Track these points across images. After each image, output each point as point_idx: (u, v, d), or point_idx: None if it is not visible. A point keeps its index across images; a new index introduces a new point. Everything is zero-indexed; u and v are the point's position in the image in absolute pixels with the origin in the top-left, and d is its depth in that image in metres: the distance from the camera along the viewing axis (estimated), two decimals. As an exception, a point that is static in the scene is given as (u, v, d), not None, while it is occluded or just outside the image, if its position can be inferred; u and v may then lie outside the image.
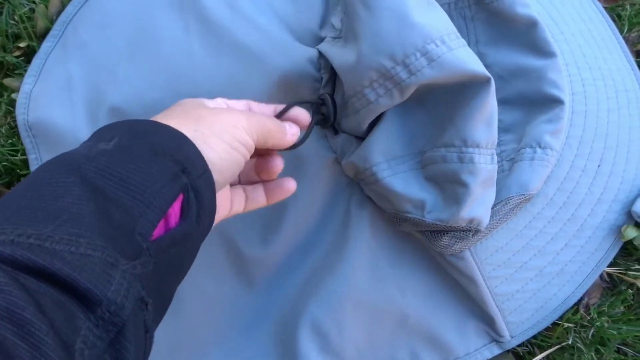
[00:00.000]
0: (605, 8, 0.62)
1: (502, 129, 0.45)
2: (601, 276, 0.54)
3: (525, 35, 0.44)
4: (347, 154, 0.44)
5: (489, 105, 0.38)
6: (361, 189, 0.47)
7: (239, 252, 0.48)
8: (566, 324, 0.51)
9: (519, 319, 0.50)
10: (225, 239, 0.48)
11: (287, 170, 0.40)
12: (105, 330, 0.22)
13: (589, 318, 0.51)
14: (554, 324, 0.51)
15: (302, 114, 0.39)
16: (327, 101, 0.43)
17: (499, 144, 0.45)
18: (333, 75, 0.45)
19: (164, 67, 0.50)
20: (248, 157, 0.33)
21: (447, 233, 0.43)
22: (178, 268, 0.28)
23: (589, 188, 0.51)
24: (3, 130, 0.55)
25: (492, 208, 0.43)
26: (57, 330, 0.20)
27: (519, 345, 0.51)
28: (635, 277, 0.53)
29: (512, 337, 0.50)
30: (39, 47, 0.56)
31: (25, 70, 0.56)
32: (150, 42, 0.52)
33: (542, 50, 0.44)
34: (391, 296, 0.48)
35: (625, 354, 0.51)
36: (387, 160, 0.42)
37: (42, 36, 0.57)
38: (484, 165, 0.39)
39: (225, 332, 0.48)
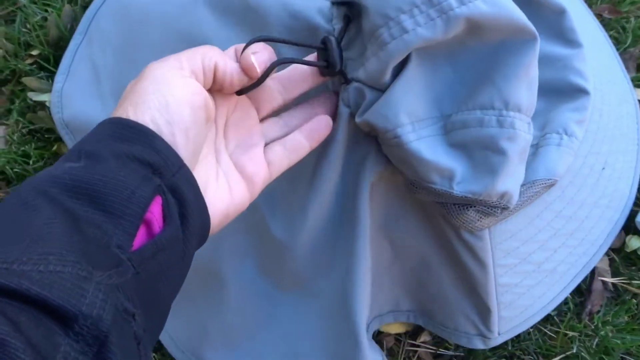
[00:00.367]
0: (610, 20, 0.63)
1: None
2: (605, 285, 0.54)
3: (554, 23, 0.43)
4: (362, 109, 0.39)
5: (534, 66, 0.36)
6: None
7: (269, 232, 0.46)
8: (570, 333, 0.51)
9: (509, 314, 0.48)
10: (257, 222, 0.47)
11: None
12: (86, 344, 0.21)
13: (593, 327, 0.52)
14: (556, 332, 0.52)
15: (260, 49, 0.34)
16: (330, 44, 0.37)
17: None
18: (346, 26, 0.39)
19: (178, 44, 0.46)
20: (201, 97, 0.31)
21: (472, 206, 0.39)
22: (171, 274, 0.28)
23: (592, 189, 0.50)
24: (15, 137, 0.56)
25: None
26: (35, 348, 0.19)
27: (523, 354, 0.52)
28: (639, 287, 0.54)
29: (499, 334, 0.48)
30: (51, 55, 0.57)
31: (39, 78, 0.57)
32: (161, 18, 0.49)
33: (569, 39, 0.43)
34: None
35: (629, 364, 0.52)
36: (412, 122, 0.37)
37: (54, 44, 0.58)
38: (524, 132, 0.36)
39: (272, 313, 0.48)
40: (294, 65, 0.37)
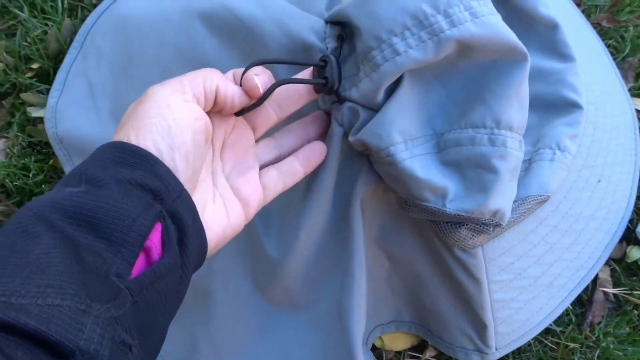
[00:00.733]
0: (608, 29, 0.63)
1: None
2: (606, 296, 0.54)
3: (546, 37, 0.43)
4: (355, 128, 0.39)
5: (524, 85, 0.36)
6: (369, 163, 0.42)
7: (262, 250, 0.47)
8: (571, 344, 0.51)
9: (506, 330, 0.48)
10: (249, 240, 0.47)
11: None
12: None
13: (594, 338, 0.52)
14: (557, 343, 0.51)
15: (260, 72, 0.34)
16: (330, 62, 0.37)
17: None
18: (340, 45, 0.40)
19: (174, 60, 0.48)
20: (202, 122, 0.31)
21: (465, 224, 0.40)
22: (168, 300, 0.28)
23: (587, 202, 0.50)
24: (15, 151, 0.56)
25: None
26: None
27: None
28: (641, 298, 0.53)
29: (496, 349, 0.48)
30: (51, 68, 0.58)
31: (39, 91, 0.57)
32: (158, 34, 0.49)
33: (562, 53, 0.43)
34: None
35: (631, 375, 0.51)
36: (405, 140, 0.38)
37: (54, 57, 0.59)
38: (515, 150, 0.37)
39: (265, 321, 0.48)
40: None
